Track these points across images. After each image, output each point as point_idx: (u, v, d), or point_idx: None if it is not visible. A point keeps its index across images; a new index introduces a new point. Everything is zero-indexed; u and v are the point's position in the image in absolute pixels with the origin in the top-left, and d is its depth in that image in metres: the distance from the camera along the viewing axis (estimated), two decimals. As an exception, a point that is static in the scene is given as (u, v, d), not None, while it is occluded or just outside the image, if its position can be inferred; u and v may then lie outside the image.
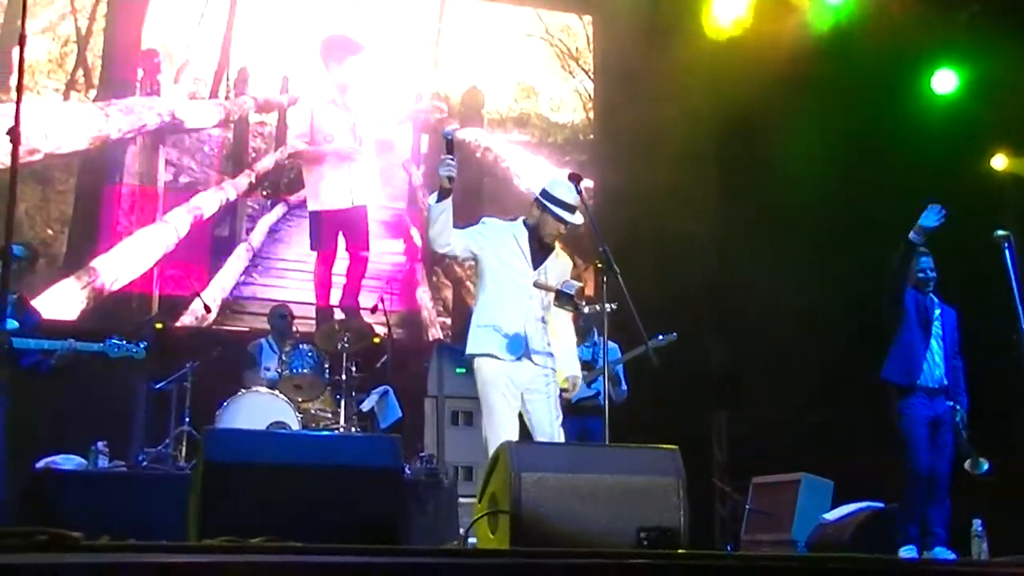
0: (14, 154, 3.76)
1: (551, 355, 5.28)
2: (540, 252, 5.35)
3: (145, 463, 7.27)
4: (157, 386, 7.76)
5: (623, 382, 7.45)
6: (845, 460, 7.67)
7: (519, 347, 5.17)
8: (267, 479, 3.70)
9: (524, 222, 5.40)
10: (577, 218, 5.36)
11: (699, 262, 9.69)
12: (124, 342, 6.34)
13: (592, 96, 10.48)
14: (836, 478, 7.61)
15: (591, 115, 10.45)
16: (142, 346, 6.39)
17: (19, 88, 3.73)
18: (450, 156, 4.94)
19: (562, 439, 5.23)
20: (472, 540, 4.43)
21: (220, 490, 3.65)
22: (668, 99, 9.09)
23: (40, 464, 6.88)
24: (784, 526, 7.50)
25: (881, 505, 6.87)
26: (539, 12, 10.44)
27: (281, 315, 8.35)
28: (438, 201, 4.99)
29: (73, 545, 2.39)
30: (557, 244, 5.47)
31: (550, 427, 5.15)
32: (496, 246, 5.29)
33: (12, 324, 6.15)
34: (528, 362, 5.19)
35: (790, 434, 8.53)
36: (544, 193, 5.35)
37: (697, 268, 9.69)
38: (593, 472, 3.88)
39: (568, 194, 5.31)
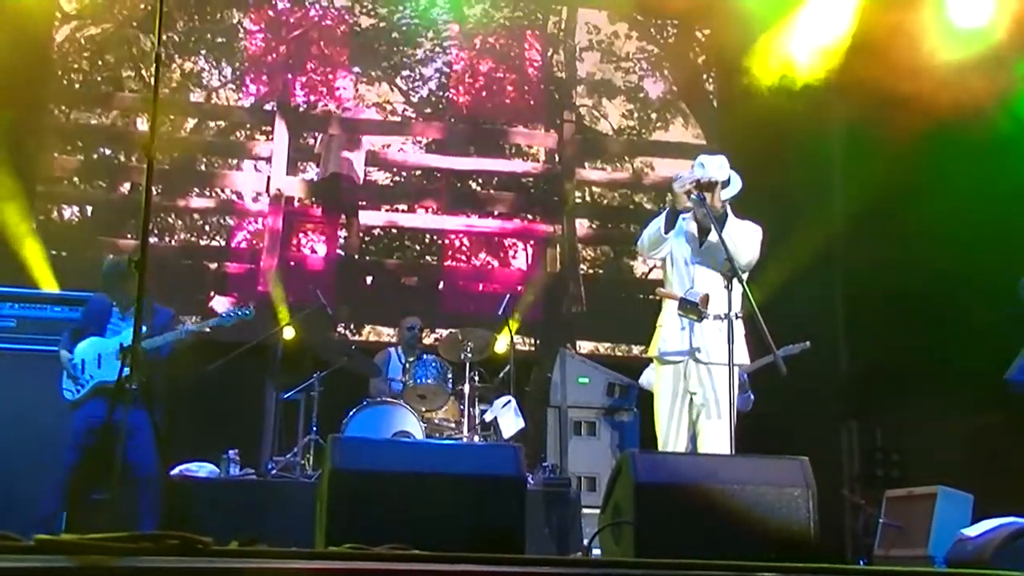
0: (148, 171, 3.87)
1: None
2: (701, 235, 5.26)
3: (274, 471, 7.42)
4: (285, 395, 7.92)
5: (749, 391, 7.30)
6: (985, 472, 7.35)
7: None
8: (391, 487, 3.72)
9: (696, 214, 5.33)
10: (731, 189, 5.27)
11: (830, 268, 9.43)
12: (233, 309, 6.58)
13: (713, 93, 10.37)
14: (976, 491, 7.29)
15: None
16: (250, 307, 6.62)
17: (154, 106, 3.85)
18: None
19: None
20: (596, 551, 4.38)
21: (345, 497, 3.68)
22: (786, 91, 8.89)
23: (174, 472, 7.10)
24: (920, 541, 7.21)
25: (1026, 522, 6.55)
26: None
27: (410, 326, 8.44)
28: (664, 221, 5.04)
29: (204, 550, 2.42)
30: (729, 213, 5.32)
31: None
32: (680, 244, 5.28)
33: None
34: None
35: (925, 445, 8.22)
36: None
37: (829, 273, 9.43)
38: (719, 482, 3.79)
39: (715, 170, 5.22)
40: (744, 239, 5.18)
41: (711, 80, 10.45)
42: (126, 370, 4.49)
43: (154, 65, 3.84)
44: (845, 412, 9.41)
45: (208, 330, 6.85)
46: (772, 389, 6.95)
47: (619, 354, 9.94)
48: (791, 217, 8.87)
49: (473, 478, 3.78)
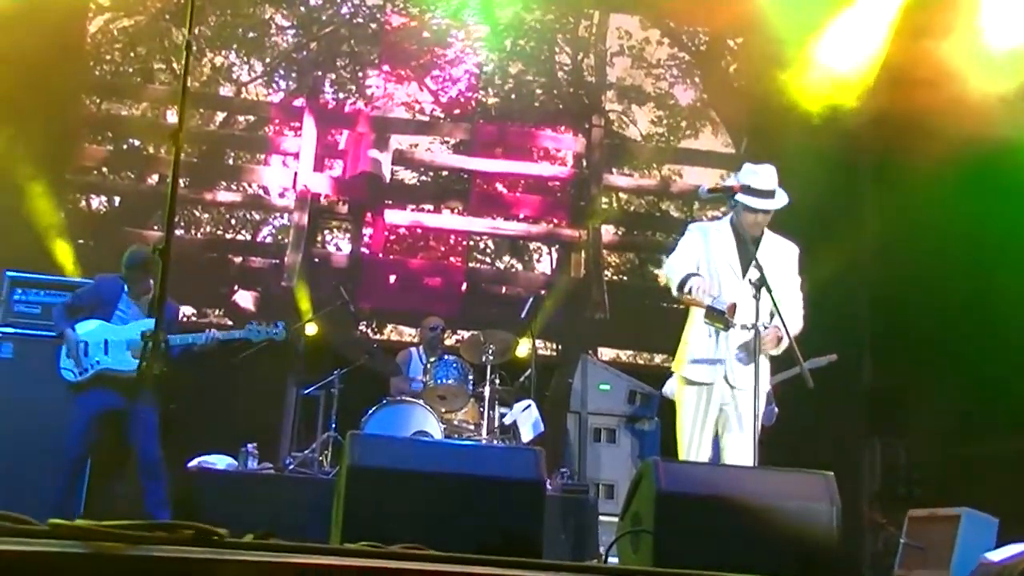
0: (176, 158, 3.86)
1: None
2: (747, 249, 5.12)
3: (292, 466, 7.40)
4: (305, 391, 7.90)
5: (774, 403, 7.22)
6: (1012, 495, 7.23)
7: None
8: (409, 486, 3.68)
9: (730, 220, 5.22)
10: (777, 202, 5.18)
11: (857, 283, 9.33)
12: (263, 326, 6.50)
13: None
14: (1001, 515, 7.18)
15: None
16: (280, 326, 6.52)
17: (183, 94, 3.83)
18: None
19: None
20: (613, 560, 4.32)
21: (362, 495, 3.65)
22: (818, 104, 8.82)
23: (192, 463, 7.09)
24: (942, 563, 7.09)
25: (1054, 549, 6.44)
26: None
27: (432, 327, 8.40)
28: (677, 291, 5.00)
29: (218, 541, 2.39)
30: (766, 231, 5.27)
31: None
32: (707, 254, 5.20)
33: (149, 323, 6.36)
34: None
35: (950, 465, 8.10)
36: (743, 187, 5.17)
37: (855, 288, 9.33)
38: (744, 494, 3.73)
39: (762, 180, 5.15)
40: (781, 262, 5.15)
41: (742, 89, 10.37)
42: (145, 360, 4.44)
43: (184, 54, 3.81)
44: (868, 428, 9.30)
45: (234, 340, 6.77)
46: (795, 403, 6.89)
47: (641, 362, 9.89)
48: (818, 230, 8.79)
49: (492, 480, 3.73)
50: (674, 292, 5.10)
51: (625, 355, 9.85)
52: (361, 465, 3.72)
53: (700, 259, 5.18)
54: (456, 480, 3.71)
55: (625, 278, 10.10)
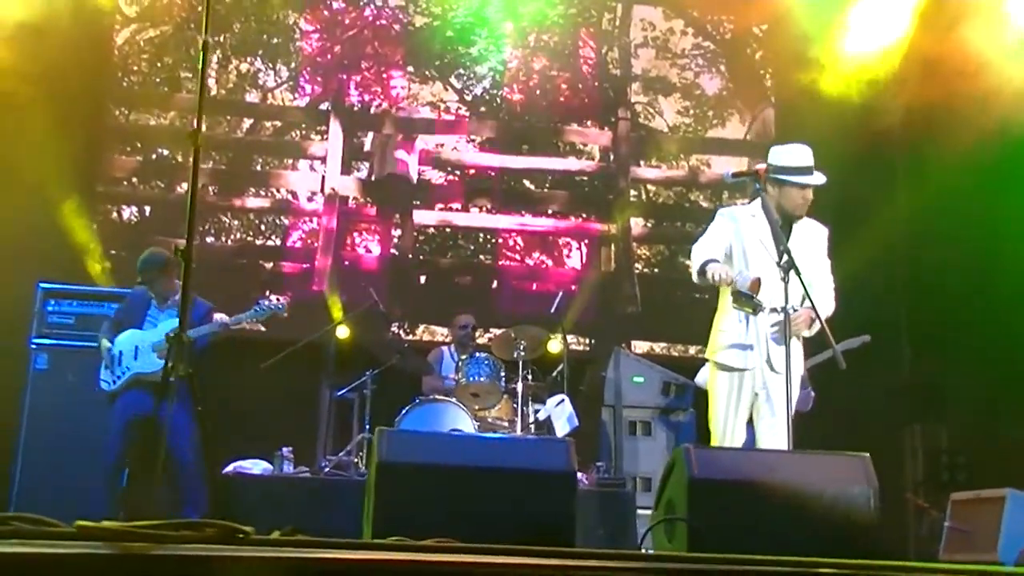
0: (195, 158, 3.87)
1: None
2: (779, 232, 5.04)
3: (327, 469, 7.42)
4: (338, 393, 7.93)
5: (809, 387, 7.13)
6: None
7: None
8: (439, 480, 3.67)
9: (761, 204, 5.13)
10: (820, 178, 5.12)
11: (894, 266, 9.22)
12: (266, 303, 6.60)
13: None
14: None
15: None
16: (282, 303, 6.63)
17: (200, 94, 3.84)
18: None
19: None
20: (649, 549, 4.29)
21: (392, 490, 3.64)
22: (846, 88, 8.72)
23: (228, 468, 7.13)
24: (988, 546, 6.98)
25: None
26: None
27: (463, 325, 8.40)
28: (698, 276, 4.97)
29: (244, 539, 2.39)
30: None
31: None
32: (740, 238, 5.15)
33: (174, 323, 6.40)
34: None
35: (993, 447, 7.98)
36: (774, 167, 5.12)
37: (892, 271, 9.22)
38: (777, 478, 3.69)
39: (799, 157, 5.09)
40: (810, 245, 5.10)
41: (769, 76, 10.29)
42: (170, 360, 4.47)
43: (201, 55, 3.82)
44: (909, 413, 9.18)
45: (247, 325, 6.85)
46: (834, 388, 6.80)
47: (675, 354, 9.82)
48: (852, 213, 8.69)
49: (522, 472, 3.72)
50: (695, 278, 5.06)
51: (659, 347, 9.79)
52: (390, 461, 3.72)
53: (731, 244, 5.13)
54: (486, 473, 3.69)
55: (656, 270, 10.03)
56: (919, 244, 9.11)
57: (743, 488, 3.66)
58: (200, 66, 3.84)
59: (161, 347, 6.24)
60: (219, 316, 6.61)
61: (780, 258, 4.91)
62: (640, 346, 9.70)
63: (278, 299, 6.73)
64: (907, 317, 9.24)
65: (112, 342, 6.55)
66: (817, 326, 4.95)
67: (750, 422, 5.09)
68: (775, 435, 4.86)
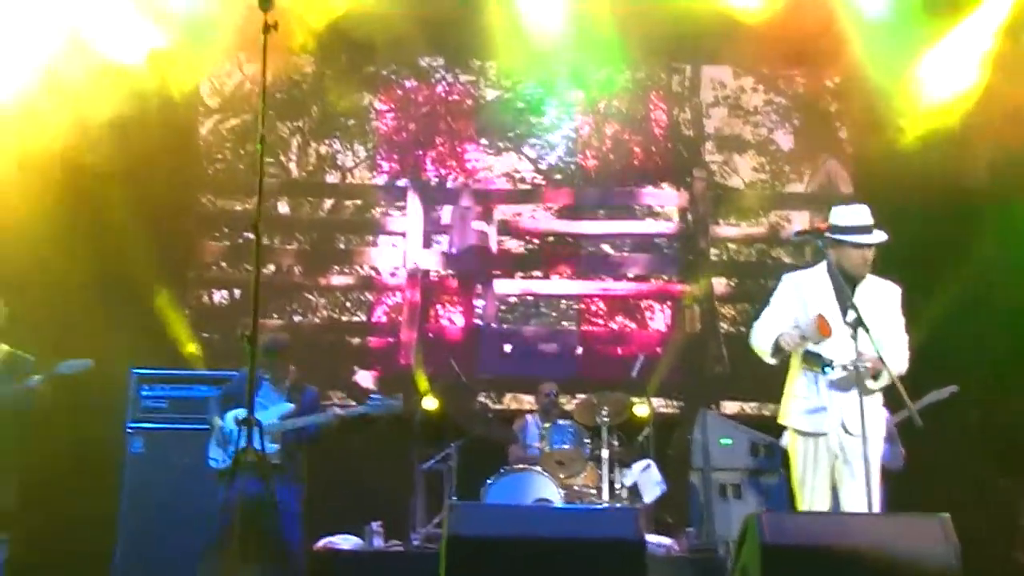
0: (257, 249, 4.00)
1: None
2: (844, 292, 5.03)
3: (416, 542, 7.46)
4: (424, 466, 7.99)
5: (899, 444, 6.95)
6: None
7: None
8: (509, 552, 3.68)
9: (826, 266, 5.14)
10: (878, 236, 5.08)
11: (982, 316, 8.96)
12: (382, 398, 6.68)
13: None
14: None
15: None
16: (399, 398, 6.71)
17: (260, 185, 3.99)
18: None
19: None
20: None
21: (462, 564, 3.66)
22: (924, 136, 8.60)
23: (319, 544, 7.22)
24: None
25: None
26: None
27: (547, 393, 8.42)
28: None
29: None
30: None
31: None
32: (803, 304, 5.12)
33: (286, 407, 6.58)
34: None
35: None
36: (831, 227, 5.11)
37: (980, 322, 8.96)
38: (852, 542, 3.61)
39: (858, 217, 5.07)
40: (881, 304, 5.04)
41: (844, 129, 10.20)
42: (255, 442, 4.58)
43: (259, 145, 3.98)
44: (1000, 466, 8.85)
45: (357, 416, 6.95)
46: (924, 444, 6.62)
47: (766, 413, 9.64)
48: (936, 263, 8.52)
49: (589, 543, 3.70)
50: (770, 360, 5.04)
51: (749, 408, 9.63)
52: (460, 534, 3.75)
53: (795, 312, 5.09)
54: (553, 544, 3.69)
55: (742, 329, 9.90)
56: (1010, 292, 8.85)
57: (817, 553, 3.59)
58: (259, 163, 3.96)
59: (273, 429, 6.39)
60: (335, 408, 6.72)
61: (845, 316, 4.84)
62: (730, 407, 9.57)
63: (394, 397, 6.80)
64: (993, 370, 8.94)
65: (223, 419, 6.70)
66: (885, 377, 4.85)
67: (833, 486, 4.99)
68: (856, 499, 4.76)
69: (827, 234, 5.07)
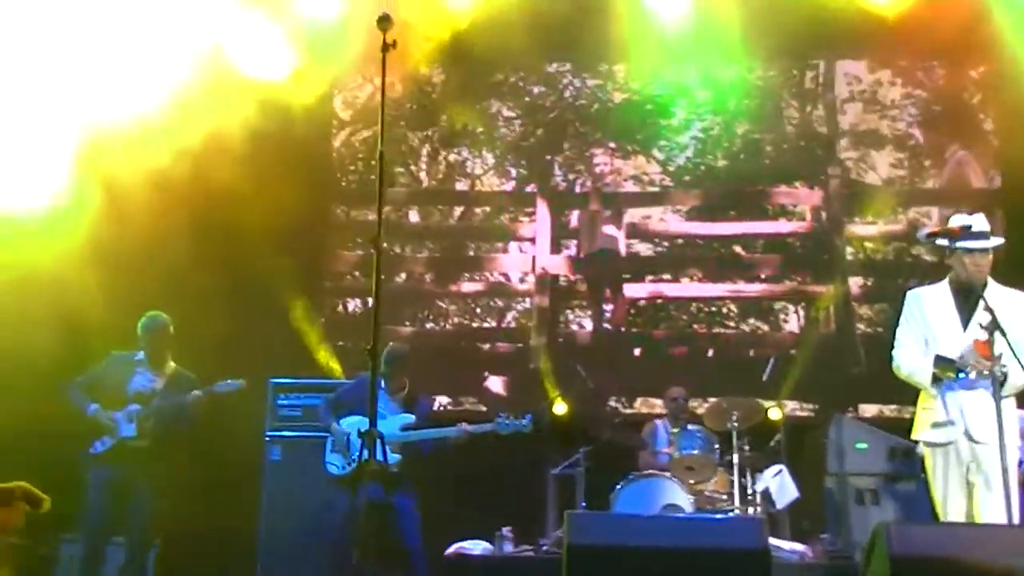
0: (377, 264, 4.07)
1: None
2: (966, 301, 4.95)
3: (545, 547, 7.49)
4: (554, 471, 8.01)
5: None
6: None
7: None
8: (629, 562, 3.66)
9: (949, 277, 5.11)
10: (995, 240, 4.95)
11: None
12: (511, 419, 6.69)
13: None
14: None
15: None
16: (527, 419, 6.70)
17: (380, 202, 4.05)
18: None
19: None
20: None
21: (582, 574, 3.66)
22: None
23: (450, 549, 7.31)
24: None
25: None
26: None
27: (675, 397, 8.34)
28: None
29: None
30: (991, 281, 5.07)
31: None
32: (925, 320, 5.05)
33: (407, 418, 6.67)
34: None
35: None
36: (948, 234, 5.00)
37: None
38: (983, 554, 3.47)
39: (974, 224, 4.94)
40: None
41: (988, 121, 9.78)
42: (378, 453, 4.68)
43: (379, 159, 4.06)
44: None
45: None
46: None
47: (907, 416, 9.30)
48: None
49: (713, 552, 3.65)
50: (931, 390, 4.92)
51: (888, 410, 9.34)
52: (579, 544, 3.75)
53: (923, 330, 4.99)
54: (675, 555, 3.65)
55: (880, 329, 9.60)
56: None
57: (947, 564, 3.46)
58: (379, 177, 4.04)
59: (395, 440, 6.50)
60: (464, 425, 6.78)
61: (965, 327, 4.72)
62: (868, 409, 9.30)
63: (524, 416, 6.84)
64: None
65: (339, 425, 6.79)
66: (1012, 384, 4.69)
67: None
68: (991, 509, 4.60)
69: (938, 241, 4.93)
